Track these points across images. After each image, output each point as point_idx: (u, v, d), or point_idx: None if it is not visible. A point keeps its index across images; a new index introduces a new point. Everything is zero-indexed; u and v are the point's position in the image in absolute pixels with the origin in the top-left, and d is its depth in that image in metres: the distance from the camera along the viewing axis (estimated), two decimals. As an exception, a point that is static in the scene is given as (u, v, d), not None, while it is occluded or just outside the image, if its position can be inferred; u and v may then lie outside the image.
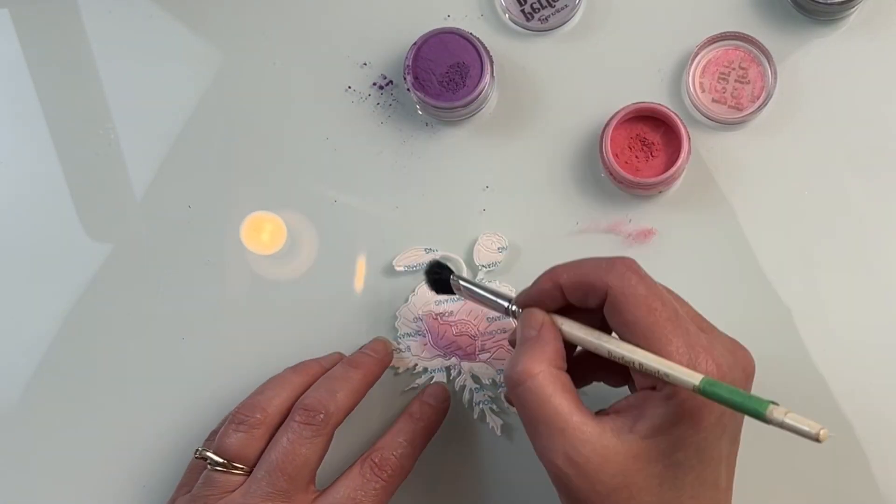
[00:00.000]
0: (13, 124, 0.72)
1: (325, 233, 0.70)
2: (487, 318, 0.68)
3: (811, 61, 0.69)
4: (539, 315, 0.58)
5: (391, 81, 0.71)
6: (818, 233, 0.68)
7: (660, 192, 0.68)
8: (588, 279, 0.56)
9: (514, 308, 0.60)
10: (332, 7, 0.71)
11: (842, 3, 0.66)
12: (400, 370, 0.69)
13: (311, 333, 0.69)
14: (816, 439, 0.46)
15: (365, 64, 0.71)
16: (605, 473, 0.54)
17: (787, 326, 0.67)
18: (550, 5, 0.69)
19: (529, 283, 0.69)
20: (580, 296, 0.57)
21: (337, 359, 0.67)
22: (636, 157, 0.67)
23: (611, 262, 0.56)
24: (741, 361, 0.56)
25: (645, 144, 0.67)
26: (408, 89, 0.68)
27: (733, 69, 0.68)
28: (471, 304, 0.68)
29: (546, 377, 0.55)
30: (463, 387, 0.68)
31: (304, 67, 0.71)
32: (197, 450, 0.64)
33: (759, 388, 0.67)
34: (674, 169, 0.66)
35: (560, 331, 0.57)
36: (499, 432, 0.68)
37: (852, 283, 0.67)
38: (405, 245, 0.69)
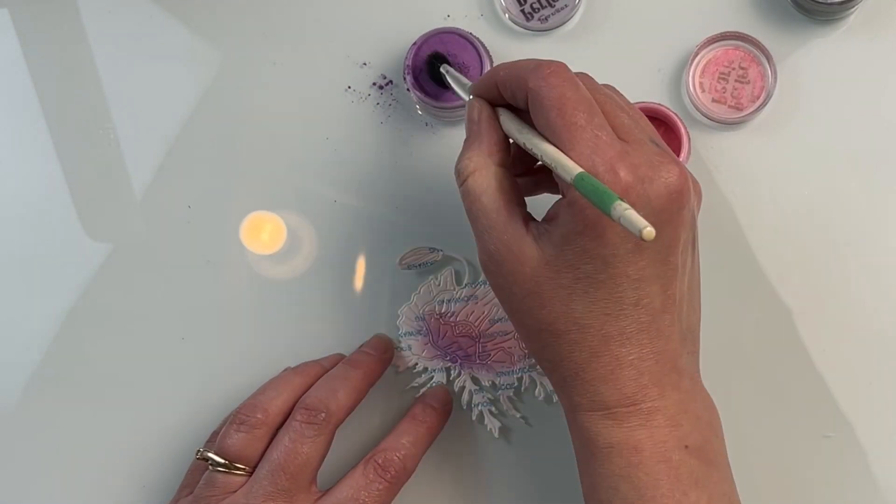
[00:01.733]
0: (13, 124, 0.72)
1: (325, 233, 0.70)
2: (490, 320, 0.68)
3: (811, 61, 0.69)
4: (477, 105, 0.58)
5: (391, 81, 0.71)
6: (818, 232, 0.68)
7: (660, 192, 0.68)
8: (516, 78, 0.56)
9: (470, 97, 0.60)
10: (332, 7, 0.71)
11: (842, 3, 0.66)
12: (400, 369, 0.69)
13: (311, 333, 0.69)
14: (640, 236, 0.46)
15: (365, 64, 0.71)
16: (520, 275, 0.54)
17: (787, 326, 0.67)
18: (550, 5, 0.69)
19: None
20: (510, 94, 0.56)
21: (337, 359, 0.67)
22: (636, 157, 0.67)
23: (537, 64, 0.55)
24: (665, 177, 0.52)
25: (645, 144, 0.67)
26: (408, 89, 0.68)
27: (733, 69, 0.68)
28: (473, 306, 0.69)
29: (482, 175, 0.56)
30: (462, 388, 0.68)
31: (303, 67, 0.71)
32: (198, 451, 0.64)
33: (761, 386, 0.67)
34: (674, 169, 0.66)
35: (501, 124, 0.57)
36: (496, 434, 0.68)
37: (852, 282, 0.67)
38: (405, 245, 0.69)
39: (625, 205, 0.48)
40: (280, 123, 0.71)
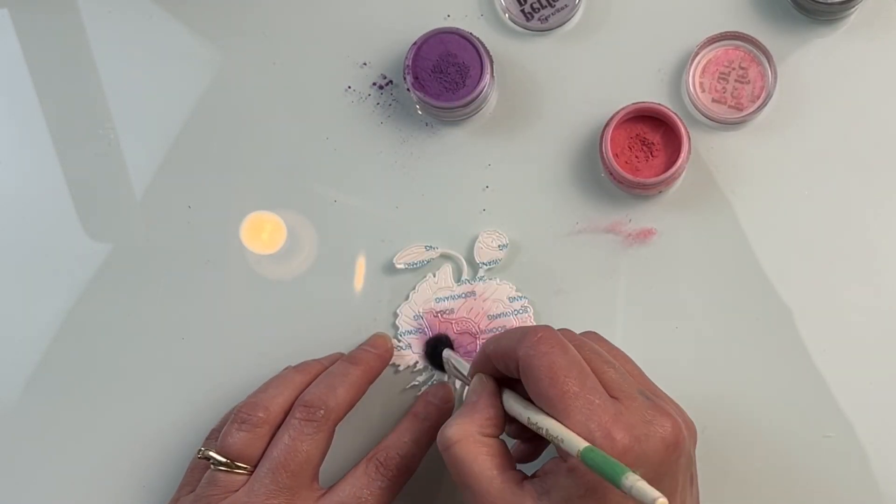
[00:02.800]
0: (13, 124, 0.72)
1: (324, 233, 0.70)
2: (488, 316, 0.68)
3: (811, 61, 0.69)
4: (480, 382, 0.59)
5: (391, 81, 0.71)
6: (818, 232, 0.68)
7: (660, 192, 0.68)
8: (504, 351, 0.57)
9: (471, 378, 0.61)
10: (332, 7, 0.71)
11: (842, 3, 0.66)
12: (401, 367, 0.69)
13: (311, 333, 0.69)
14: None
15: (365, 64, 0.71)
16: None
17: (787, 326, 0.67)
18: (550, 5, 0.69)
19: (527, 280, 0.69)
20: (503, 367, 0.57)
21: (338, 358, 0.68)
22: (636, 157, 0.67)
23: (523, 334, 0.56)
24: (660, 432, 0.53)
25: (645, 144, 0.67)
26: (408, 89, 0.68)
27: (733, 69, 0.68)
28: (471, 302, 0.69)
29: (468, 444, 0.56)
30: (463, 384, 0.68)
31: (304, 67, 0.71)
32: (199, 450, 0.64)
33: (761, 386, 0.67)
34: (674, 169, 0.66)
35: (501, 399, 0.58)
36: None
37: (852, 282, 0.67)
38: (405, 245, 0.69)
39: (634, 476, 0.49)
40: (280, 123, 0.71)
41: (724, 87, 0.68)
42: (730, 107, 0.68)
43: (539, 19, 0.70)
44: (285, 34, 0.71)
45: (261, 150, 0.71)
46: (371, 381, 0.66)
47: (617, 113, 0.66)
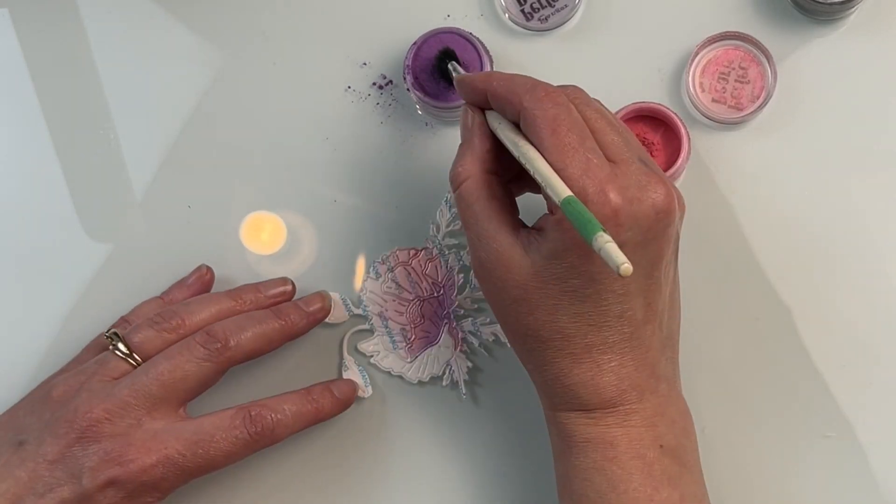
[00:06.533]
0: (13, 124, 0.72)
1: (324, 233, 0.70)
2: (428, 286, 0.68)
3: (811, 61, 0.69)
4: (470, 117, 0.60)
5: (391, 81, 0.71)
6: (818, 232, 0.68)
7: (660, 192, 0.68)
8: (510, 93, 0.57)
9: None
10: (332, 7, 0.71)
11: (842, 3, 0.66)
12: (444, 383, 0.68)
13: (310, 333, 0.69)
14: (618, 271, 0.49)
15: (365, 64, 0.71)
16: (509, 282, 0.56)
17: (787, 326, 0.67)
18: (550, 5, 0.69)
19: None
20: (499, 106, 0.58)
21: (280, 284, 0.67)
22: (636, 157, 0.67)
23: (533, 85, 0.56)
24: (652, 197, 0.54)
25: (645, 144, 0.67)
26: (407, 89, 0.68)
27: (733, 69, 0.68)
28: (393, 303, 0.69)
29: (474, 182, 0.57)
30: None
31: (304, 67, 0.71)
32: (109, 329, 0.64)
33: (760, 386, 0.67)
34: (674, 169, 0.66)
35: (492, 129, 0.59)
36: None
37: (852, 282, 0.67)
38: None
39: (606, 237, 0.49)
40: (280, 123, 0.71)
41: (723, 87, 0.68)
42: (730, 107, 0.68)
43: (539, 19, 0.70)
44: (285, 34, 0.71)
45: (261, 150, 0.71)
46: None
47: (617, 113, 0.66)
